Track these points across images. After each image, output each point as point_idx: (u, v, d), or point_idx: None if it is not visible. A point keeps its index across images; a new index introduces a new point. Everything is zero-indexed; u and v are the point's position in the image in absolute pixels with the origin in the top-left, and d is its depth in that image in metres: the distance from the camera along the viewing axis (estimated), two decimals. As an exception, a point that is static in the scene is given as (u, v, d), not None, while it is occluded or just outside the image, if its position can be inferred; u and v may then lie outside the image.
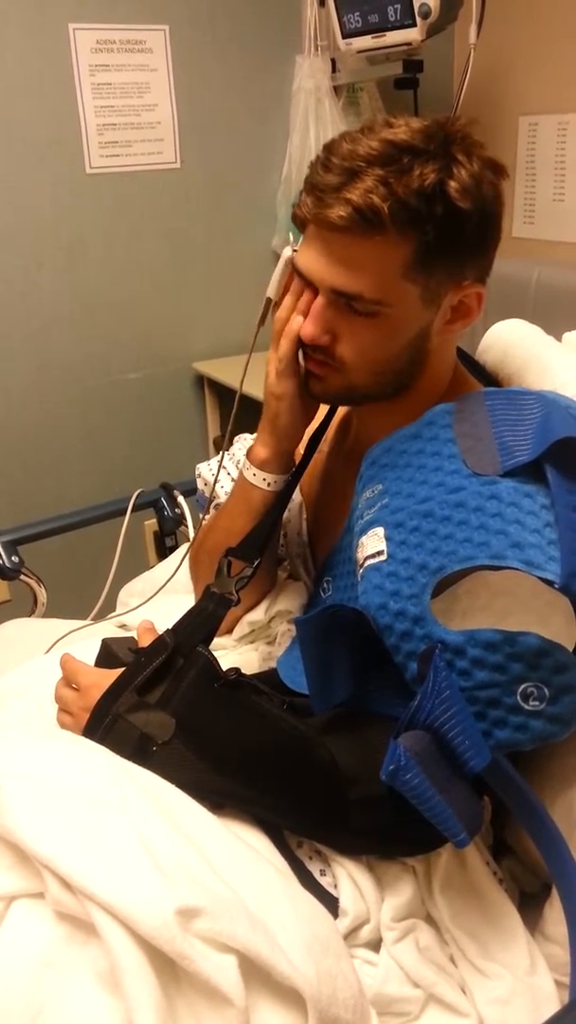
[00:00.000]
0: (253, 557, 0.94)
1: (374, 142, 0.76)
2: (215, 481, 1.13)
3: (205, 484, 1.21)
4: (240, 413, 1.04)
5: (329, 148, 0.80)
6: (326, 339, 0.83)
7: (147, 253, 2.10)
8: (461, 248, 0.79)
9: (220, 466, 1.14)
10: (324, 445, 1.02)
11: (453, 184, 0.76)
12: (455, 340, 0.90)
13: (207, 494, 1.16)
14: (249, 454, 0.96)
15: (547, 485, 0.73)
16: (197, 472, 1.24)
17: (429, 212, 0.76)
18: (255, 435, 1.12)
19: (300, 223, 0.83)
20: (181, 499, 1.51)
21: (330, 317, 0.82)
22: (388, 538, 0.76)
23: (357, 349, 0.82)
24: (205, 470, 1.22)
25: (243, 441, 1.18)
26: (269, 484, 0.95)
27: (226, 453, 1.12)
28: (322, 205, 0.77)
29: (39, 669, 1.07)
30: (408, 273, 0.78)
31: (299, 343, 0.86)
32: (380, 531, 0.77)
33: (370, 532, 0.78)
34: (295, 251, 0.85)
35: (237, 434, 1.19)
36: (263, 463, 0.94)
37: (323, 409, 0.99)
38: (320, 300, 0.82)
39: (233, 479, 1.11)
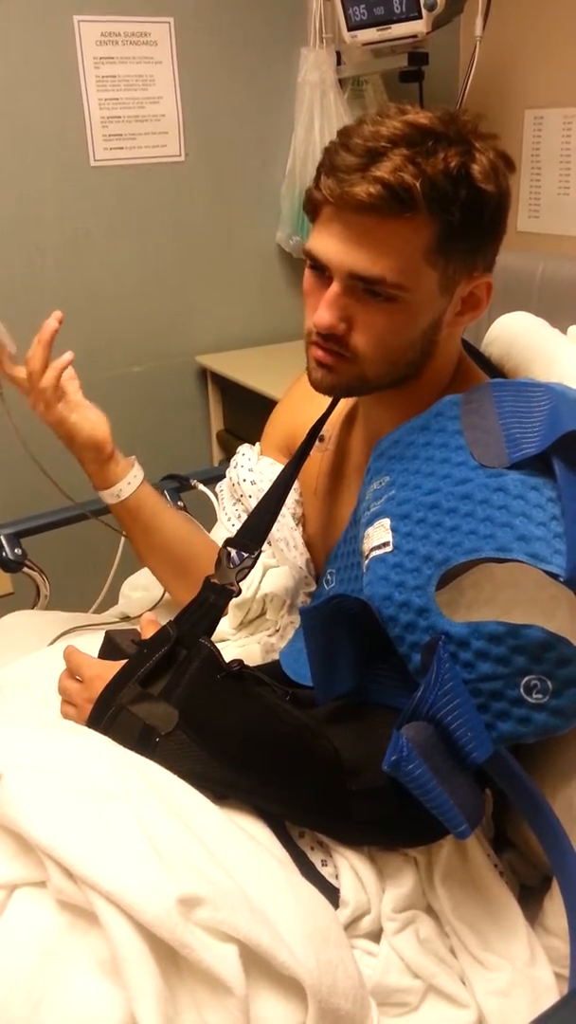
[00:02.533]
0: (254, 547, 0.94)
1: (397, 123, 0.76)
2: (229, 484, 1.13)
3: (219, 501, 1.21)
4: (245, 408, 1.05)
5: (348, 131, 0.79)
6: (342, 327, 0.80)
7: (151, 246, 2.10)
8: (480, 234, 0.79)
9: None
10: (330, 443, 1.02)
11: (476, 167, 0.76)
12: (461, 332, 0.89)
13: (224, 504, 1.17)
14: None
15: (554, 478, 0.73)
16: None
17: (455, 194, 0.75)
18: (256, 445, 1.13)
19: (314, 207, 0.81)
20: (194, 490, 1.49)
21: (345, 304, 0.79)
22: (394, 529, 0.76)
23: (373, 338, 0.80)
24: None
25: (242, 452, 1.17)
26: (119, 495, 1.05)
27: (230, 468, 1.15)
28: (346, 184, 0.75)
29: (42, 661, 1.07)
30: (429, 257, 0.77)
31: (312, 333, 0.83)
32: (386, 522, 0.77)
33: (376, 523, 0.78)
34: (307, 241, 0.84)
35: (241, 428, 1.19)
36: (96, 486, 1.06)
37: (324, 402, 0.99)
38: (335, 287, 0.79)
39: (235, 483, 1.12)
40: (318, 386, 0.86)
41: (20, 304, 1.98)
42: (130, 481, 1.05)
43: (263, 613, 1.06)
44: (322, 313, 0.80)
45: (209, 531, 1.20)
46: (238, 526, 1.03)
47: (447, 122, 0.77)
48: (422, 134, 0.75)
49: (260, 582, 1.03)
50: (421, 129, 0.76)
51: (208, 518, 1.25)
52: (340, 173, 0.76)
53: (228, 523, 1.12)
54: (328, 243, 0.79)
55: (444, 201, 0.75)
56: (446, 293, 0.81)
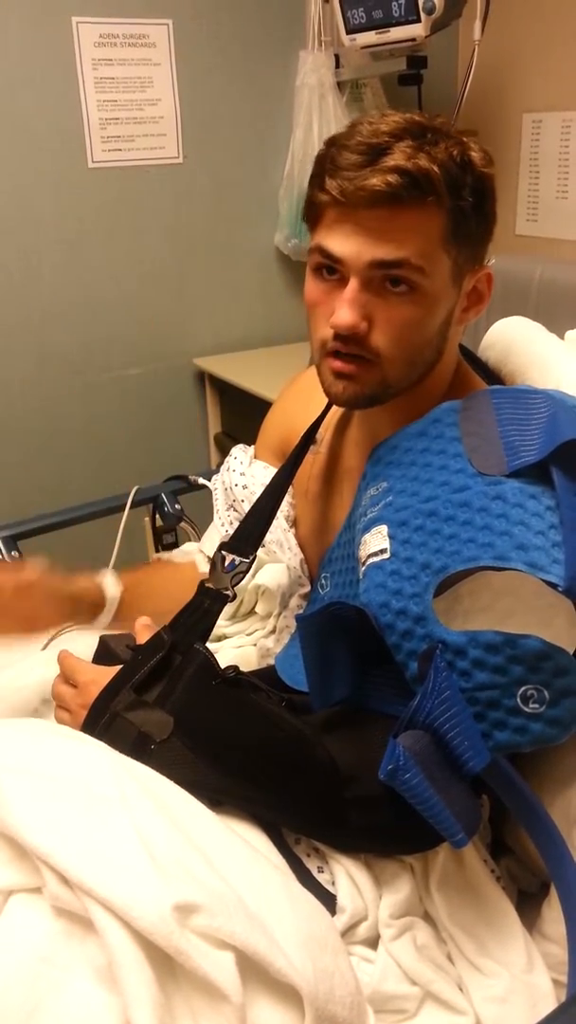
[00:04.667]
0: (248, 552, 0.94)
1: (396, 118, 0.77)
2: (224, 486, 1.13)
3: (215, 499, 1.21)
4: (242, 410, 1.04)
5: (345, 134, 0.79)
6: (364, 326, 0.79)
7: (149, 248, 2.10)
8: (485, 221, 0.81)
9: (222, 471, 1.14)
10: (322, 446, 1.02)
11: (474, 154, 0.78)
12: (463, 332, 0.90)
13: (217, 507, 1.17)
14: None
15: (553, 486, 0.73)
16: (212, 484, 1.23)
17: (463, 179, 0.77)
18: (251, 446, 1.13)
19: (318, 211, 0.80)
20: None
21: (365, 301, 0.78)
22: (391, 536, 0.76)
23: (394, 334, 0.79)
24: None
25: (240, 452, 1.17)
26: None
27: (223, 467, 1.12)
28: (359, 179, 0.75)
29: (38, 664, 1.07)
30: (445, 243, 0.78)
31: (328, 342, 0.81)
32: (383, 529, 0.77)
33: (373, 530, 0.78)
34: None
35: (238, 431, 1.19)
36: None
37: (318, 405, 0.99)
38: (353, 284, 0.78)
39: (228, 487, 1.12)
40: (339, 399, 0.85)
41: (17, 305, 1.98)
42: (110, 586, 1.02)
43: (254, 610, 1.06)
44: (344, 313, 0.78)
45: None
46: (231, 531, 1.02)
47: (432, 121, 0.80)
48: (421, 128, 0.77)
49: (255, 573, 1.03)
50: (419, 124, 0.78)
51: (210, 519, 1.24)
52: (347, 171, 0.76)
53: (222, 527, 1.12)
54: (344, 241, 0.78)
55: (456, 186, 0.77)
56: (456, 284, 0.81)
